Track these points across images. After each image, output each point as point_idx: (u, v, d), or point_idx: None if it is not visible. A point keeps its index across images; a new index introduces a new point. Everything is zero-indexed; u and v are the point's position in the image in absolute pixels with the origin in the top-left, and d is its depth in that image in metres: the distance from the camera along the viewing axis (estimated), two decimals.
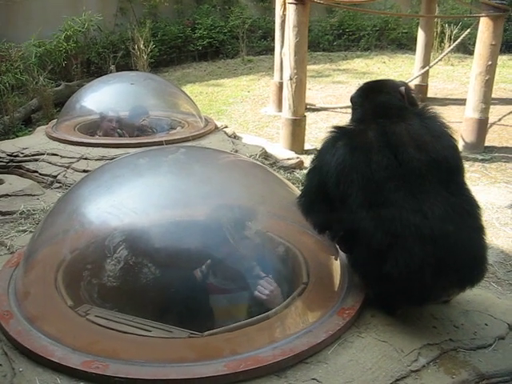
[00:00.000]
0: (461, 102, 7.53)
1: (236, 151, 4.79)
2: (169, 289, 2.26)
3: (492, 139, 6.66)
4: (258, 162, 3.57)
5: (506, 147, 6.51)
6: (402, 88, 2.27)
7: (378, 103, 2.24)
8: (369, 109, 2.26)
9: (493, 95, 6.29)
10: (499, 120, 7.42)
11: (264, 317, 2.12)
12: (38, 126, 6.75)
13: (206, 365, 1.88)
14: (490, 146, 6.43)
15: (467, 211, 2.10)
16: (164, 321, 2.12)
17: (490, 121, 6.65)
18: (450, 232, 2.00)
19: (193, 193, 2.51)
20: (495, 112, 7.37)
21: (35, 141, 5.06)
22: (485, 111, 6.12)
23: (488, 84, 5.98)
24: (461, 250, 2.02)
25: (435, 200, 2.03)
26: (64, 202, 2.65)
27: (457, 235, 2.01)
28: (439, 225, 1.99)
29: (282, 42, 6.97)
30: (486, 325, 2.26)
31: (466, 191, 2.17)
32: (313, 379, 1.88)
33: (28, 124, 7.85)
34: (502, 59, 9.23)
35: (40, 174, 4.54)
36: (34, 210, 3.84)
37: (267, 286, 2.26)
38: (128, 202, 2.42)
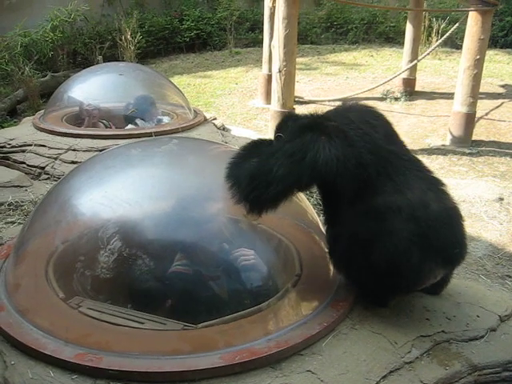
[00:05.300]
0: (448, 95, 7.58)
1: (226, 143, 4.77)
2: (162, 281, 2.24)
3: (479, 133, 6.71)
4: None
5: (493, 141, 6.57)
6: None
7: None
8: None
9: (480, 90, 6.33)
10: (486, 114, 7.46)
11: (258, 309, 2.12)
12: (24, 116, 6.67)
13: (201, 357, 1.87)
14: (477, 140, 6.49)
15: (440, 189, 2.14)
16: (157, 313, 2.10)
17: (478, 115, 6.71)
18: (430, 210, 2.03)
19: (186, 184, 2.49)
20: (482, 106, 7.41)
21: (22, 132, 4.99)
22: (472, 105, 6.17)
23: (476, 78, 6.02)
24: (442, 227, 2.04)
25: (411, 180, 2.08)
26: (55, 193, 2.62)
27: (437, 213, 2.05)
28: (420, 204, 2.02)
29: (271, 34, 6.96)
30: (478, 316, 2.28)
31: (427, 168, 2.23)
32: (308, 371, 1.88)
33: (13, 115, 7.77)
34: (489, 54, 9.25)
35: (28, 166, 4.49)
36: (22, 202, 3.81)
37: (246, 253, 2.29)
38: (121, 193, 2.39)
